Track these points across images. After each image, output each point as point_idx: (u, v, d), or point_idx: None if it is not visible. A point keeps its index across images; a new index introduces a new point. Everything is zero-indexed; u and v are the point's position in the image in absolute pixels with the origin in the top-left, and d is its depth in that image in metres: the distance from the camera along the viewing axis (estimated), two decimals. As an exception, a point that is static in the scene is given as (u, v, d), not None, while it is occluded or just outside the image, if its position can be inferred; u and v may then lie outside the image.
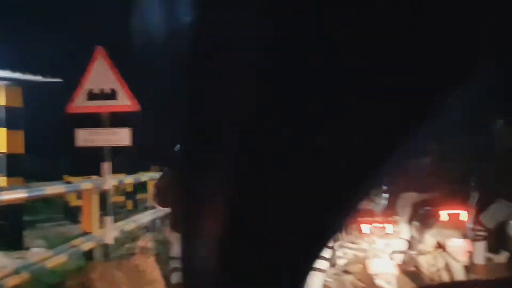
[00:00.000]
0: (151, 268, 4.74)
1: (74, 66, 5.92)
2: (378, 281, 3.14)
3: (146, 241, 6.09)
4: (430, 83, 0.40)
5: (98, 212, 4.97)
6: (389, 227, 3.21)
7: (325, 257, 3.79)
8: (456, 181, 4.52)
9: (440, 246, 3.77)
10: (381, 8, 0.38)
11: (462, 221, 3.64)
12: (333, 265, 3.75)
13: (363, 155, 0.44)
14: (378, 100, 0.41)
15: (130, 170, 7.31)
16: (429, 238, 3.80)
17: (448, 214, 3.60)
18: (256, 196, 0.47)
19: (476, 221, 4.23)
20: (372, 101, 0.41)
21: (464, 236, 3.70)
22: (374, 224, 3.26)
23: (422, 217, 3.82)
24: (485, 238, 4.18)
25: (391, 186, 4.15)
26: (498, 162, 4.03)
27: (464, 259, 3.59)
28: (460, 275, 3.59)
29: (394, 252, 3.89)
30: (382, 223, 3.24)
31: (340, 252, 3.45)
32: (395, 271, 3.18)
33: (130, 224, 6.03)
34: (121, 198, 8.41)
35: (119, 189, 8.07)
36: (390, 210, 4.03)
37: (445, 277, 3.72)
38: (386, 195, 4.26)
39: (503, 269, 4.18)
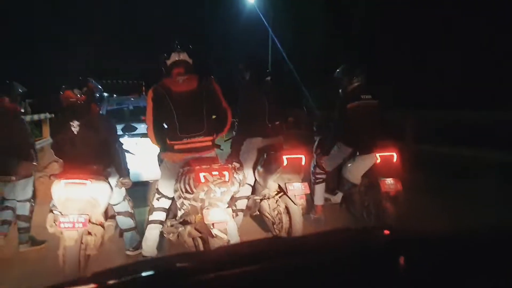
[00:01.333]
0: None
1: None
2: (214, 231, 2.98)
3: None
4: None
5: None
6: (227, 174, 3.02)
7: (163, 208, 3.53)
8: (300, 127, 4.61)
9: (281, 190, 3.80)
10: None
11: (302, 165, 3.68)
12: (174, 216, 3.51)
13: None
14: None
15: None
16: (272, 183, 3.79)
17: (289, 158, 3.59)
18: None
19: (317, 164, 4.39)
20: None
21: (303, 180, 3.77)
22: (213, 172, 3.04)
23: (265, 162, 3.77)
24: (324, 180, 4.39)
25: (236, 132, 4.00)
26: (337, 108, 4.15)
27: (301, 201, 3.67)
28: (298, 217, 3.67)
29: (237, 198, 3.81)
30: (220, 170, 3.03)
31: (179, 202, 3.19)
32: (231, 220, 3.05)
33: None
34: None
35: None
36: (235, 156, 3.89)
37: (286, 220, 3.79)
38: (231, 141, 4.11)
39: (338, 209, 4.48)
